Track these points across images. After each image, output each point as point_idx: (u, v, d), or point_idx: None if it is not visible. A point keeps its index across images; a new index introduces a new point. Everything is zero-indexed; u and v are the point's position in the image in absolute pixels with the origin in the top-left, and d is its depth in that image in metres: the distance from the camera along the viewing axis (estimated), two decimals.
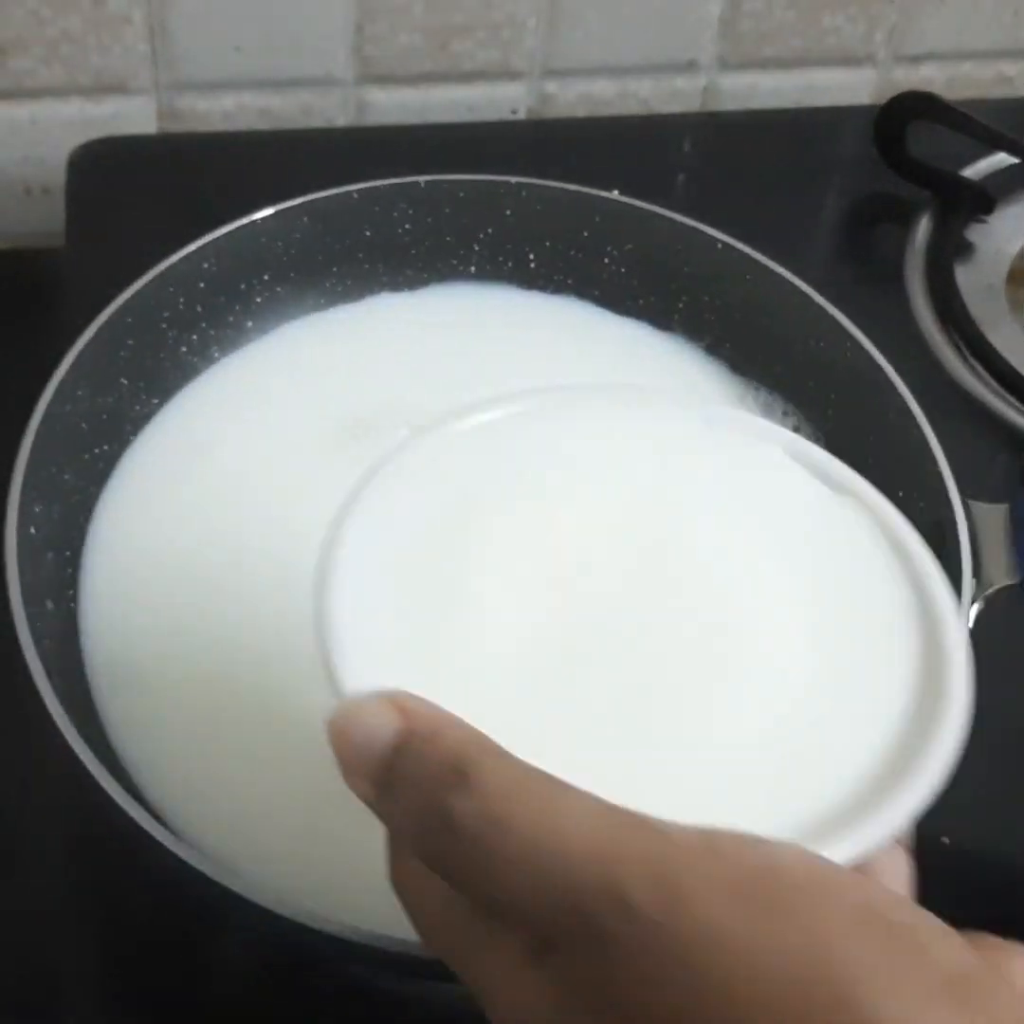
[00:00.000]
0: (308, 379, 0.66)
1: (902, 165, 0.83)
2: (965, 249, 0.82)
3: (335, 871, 0.51)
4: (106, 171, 0.83)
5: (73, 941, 0.57)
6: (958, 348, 0.77)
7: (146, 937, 0.57)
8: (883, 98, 0.85)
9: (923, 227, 0.83)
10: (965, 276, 0.80)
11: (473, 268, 0.69)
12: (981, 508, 0.57)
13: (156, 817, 0.48)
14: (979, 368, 0.76)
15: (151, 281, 0.62)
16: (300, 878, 0.50)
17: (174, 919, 0.55)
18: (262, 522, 0.60)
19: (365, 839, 0.46)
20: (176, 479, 0.62)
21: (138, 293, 0.61)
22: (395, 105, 0.89)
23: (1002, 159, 0.84)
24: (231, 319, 0.66)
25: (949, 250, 0.81)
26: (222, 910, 0.48)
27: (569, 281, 0.69)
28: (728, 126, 0.91)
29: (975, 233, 0.83)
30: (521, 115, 0.90)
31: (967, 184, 0.83)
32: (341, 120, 0.89)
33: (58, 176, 0.83)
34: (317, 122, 0.89)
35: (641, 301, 0.68)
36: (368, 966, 0.52)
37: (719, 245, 0.65)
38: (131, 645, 0.56)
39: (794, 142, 0.89)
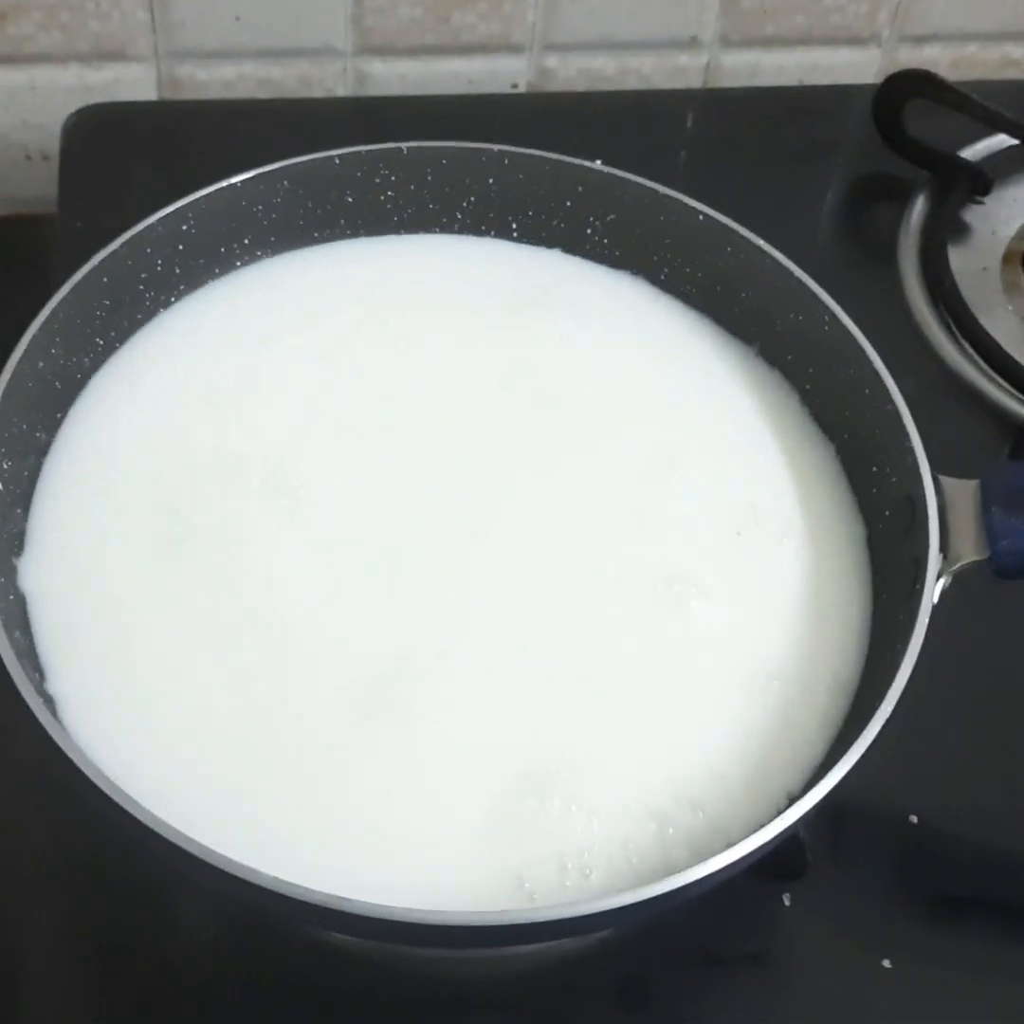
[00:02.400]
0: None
1: (899, 144, 0.83)
2: (960, 230, 0.81)
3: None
4: (102, 137, 0.83)
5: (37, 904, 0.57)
6: (948, 328, 0.77)
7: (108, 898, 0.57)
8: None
9: (919, 207, 0.82)
10: (959, 257, 0.79)
11: (455, 235, 0.69)
12: (951, 483, 0.57)
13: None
14: (968, 348, 0.76)
15: (128, 241, 0.62)
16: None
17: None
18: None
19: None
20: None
21: (114, 253, 0.61)
22: (395, 77, 0.88)
23: (1001, 140, 0.84)
24: (209, 282, 0.66)
25: (944, 230, 0.81)
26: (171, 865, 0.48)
27: (553, 250, 0.69)
28: (729, 103, 0.91)
29: (971, 214, 0.82)
30: (521, 89, 0.90)
31: (964, 165, 0.82)
32: (340, 91, 0.89)
33: (57, 142, 0.83)
34: (316, 93, 0.89)
35: (624, 270, 0.68)
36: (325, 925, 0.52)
37: (701, 216, 0.65)
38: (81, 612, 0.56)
39: (795, 120, 0.88)
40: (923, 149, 0.83)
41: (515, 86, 0.90)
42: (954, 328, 0.77)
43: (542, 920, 0.47)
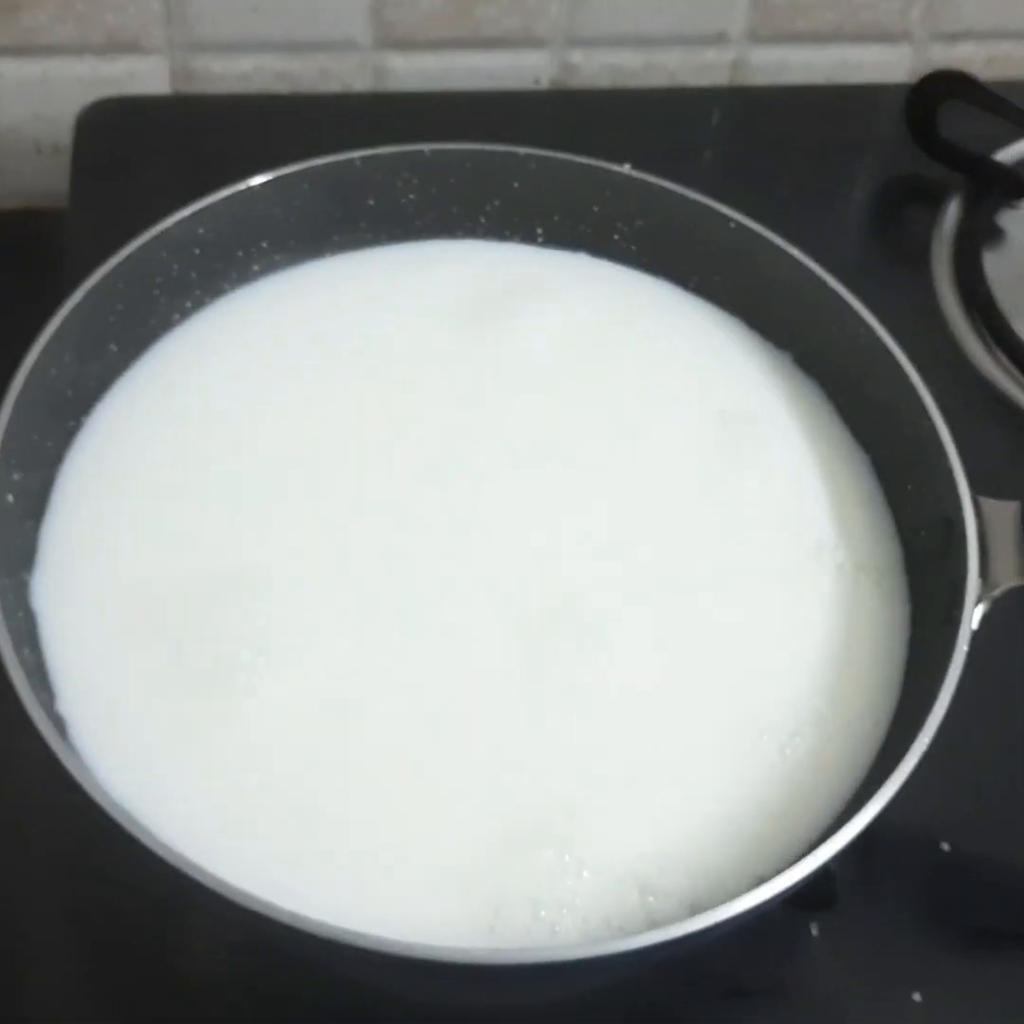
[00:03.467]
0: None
1: (933, 146, 0.81)
2: (995, 235, 0.79)
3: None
4: (116, 131, 0.82)
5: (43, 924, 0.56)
6: (982, 337, 0.75)
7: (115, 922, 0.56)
8: (919, 76, 0.82)
9: (952, 211, 0.80)
10: (994, 263, 0.77)
11: (478, 239, 0.67)
12: (992, 505, 0.55)
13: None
14: (1003, 359, 0.74)
15: (143, 245, 0.60)
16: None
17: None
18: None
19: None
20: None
21: (129, 257, 0.60)
22: (415, 71, 0.86)
23: None
24: (226, 287, 0.64)
25: (978, 235, 0.79)
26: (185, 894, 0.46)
27: (578, 253, 0.67)
28: (757, 101, 0.89)
29: (1007, 219, 0.80)
30: (544, 85, 0.88)
31: (1000, 168, 0.80)
32: (359, 85, 0.87)
33: (69, 135, 0.81)
34: (334, 87, 0.87)
35: (652, 274, 0.66)
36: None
37: (732, 224, 0.63)
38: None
39: (824, 119, 0.86)
40: (957, 151, 0.81)
41: (538, 82, 0.88)
42: (989, 338, 0.75)
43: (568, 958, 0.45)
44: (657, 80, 0.89)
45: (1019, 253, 0.79)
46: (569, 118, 0.85)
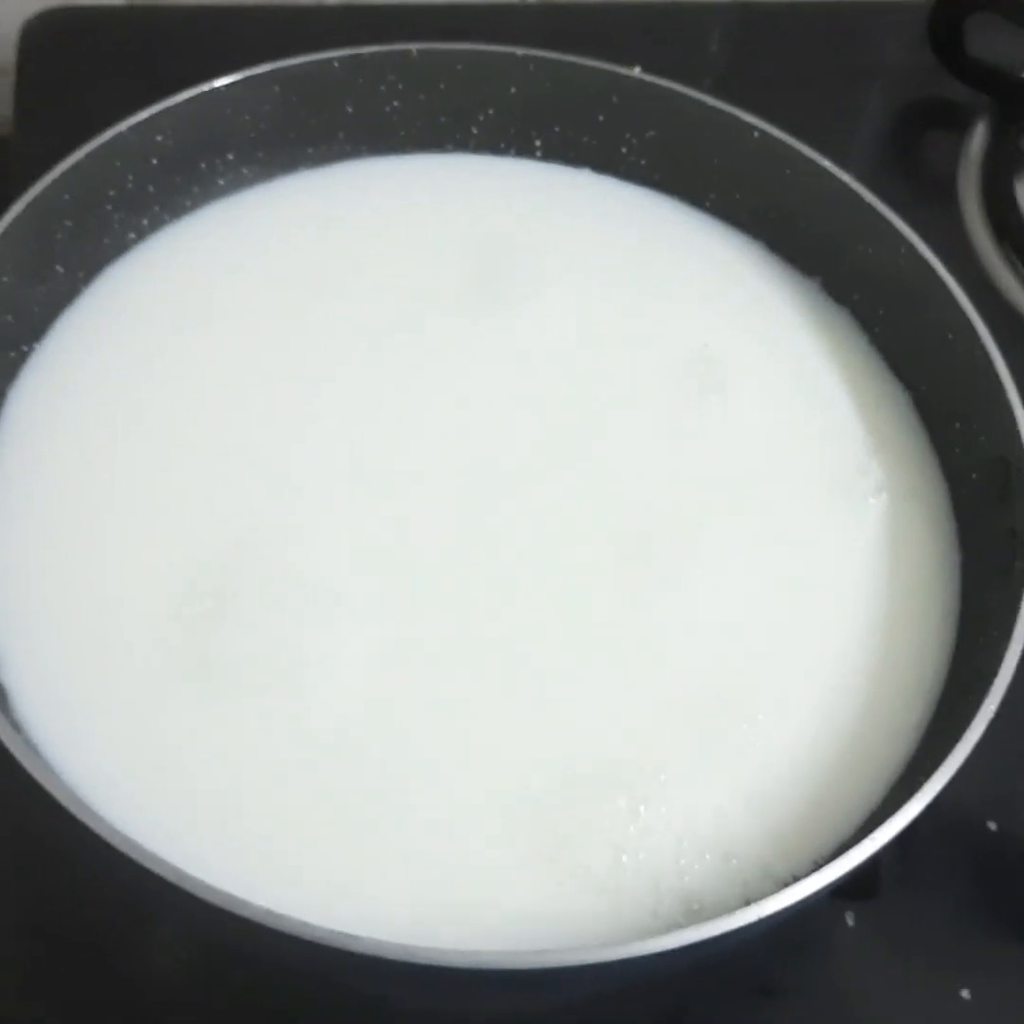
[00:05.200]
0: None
1: (958, 65, 0.75)
2: None
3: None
4: (63, 44, 0.75)
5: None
6: (1015, 268, 0.69)
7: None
8: None
9: (979, 135, 0.75)
10: None
11: (470, 153, 0.61)
12: None
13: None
14: None
15: (93, 152, 0.54)
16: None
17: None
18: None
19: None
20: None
21: (77, 165, 0.54)
22: None
23: None
24: (188, 202, 0.58)
25: (1008, 161, 0.73)
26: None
27: (582, 169, 0.61)
28: (764, 19, 0.82)
29: None
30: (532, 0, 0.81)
31: None
32: None
33: (14, 53, 0.74)
34: (306, 0, 0.80)
35: (664, 193, 0.60)
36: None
37: (756, 132, 0.58)
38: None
39: (837, 39, 0.80)
40: (984, 70, 0.75)
41: None
42: (1022, 268, 0.69)
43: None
44: None
45: None
46: (559, 36, 0.78)
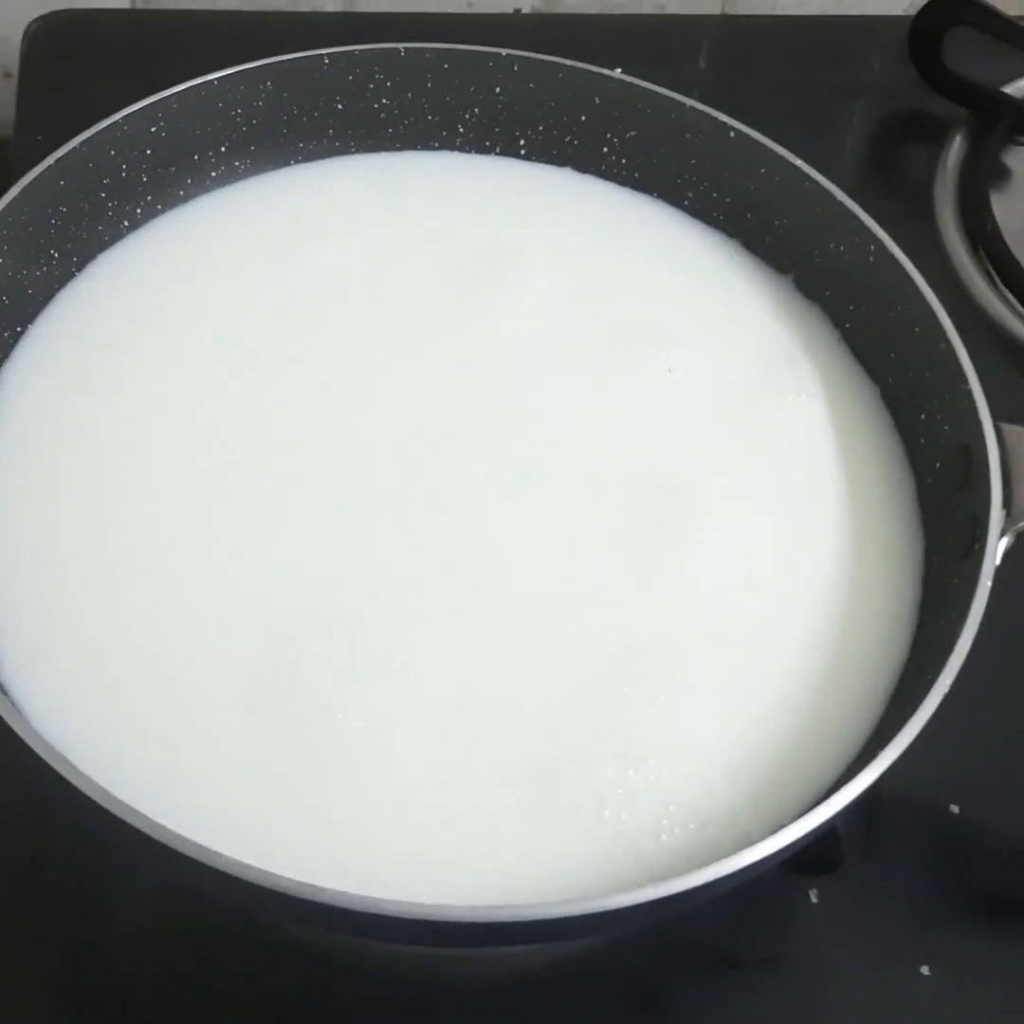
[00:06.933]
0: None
1: (937, 78, 0.77)
2: (1001, 173, 0.76)
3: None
4: (67, 48, 0.77)
5: None
6: (989, 276, 0.71)
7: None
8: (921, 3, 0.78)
9: (957, 147, 0.76)
10: (1001, 202, 0.74)
11: (456, 151, 0.62)
12: (1013, 431, 0.51)
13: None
14: (1011, 298, 0.70)
15: (89, 139, 0.55)
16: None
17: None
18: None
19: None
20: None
21: (74, 151, 0.55)
22: None
23: None
24: (181, 193, 0.59)
25: (984, 173, 0.75)
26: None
27: (564, 168, 0.62)
28: (750, 32, 0.84)
29: (1014, 156, 0.76)
30: (526, 10, 0.83)
31: (1007, 101, 0.76)
32: (330, 6, 0.82)
33: (18, 56, 0.76)
34: (304, 7, 0.82)
35: (644, 193, 0.62)
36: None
37: (731, 132, 0.59)
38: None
39: (820, 52, 0.83)
40: (963, 84, 0.77)
41: (518, 9, 0.83)
42: (996, 277, 0.71)
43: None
44: (644, 8, 0.85)
45: None
46: (550, 46, 0.80)
